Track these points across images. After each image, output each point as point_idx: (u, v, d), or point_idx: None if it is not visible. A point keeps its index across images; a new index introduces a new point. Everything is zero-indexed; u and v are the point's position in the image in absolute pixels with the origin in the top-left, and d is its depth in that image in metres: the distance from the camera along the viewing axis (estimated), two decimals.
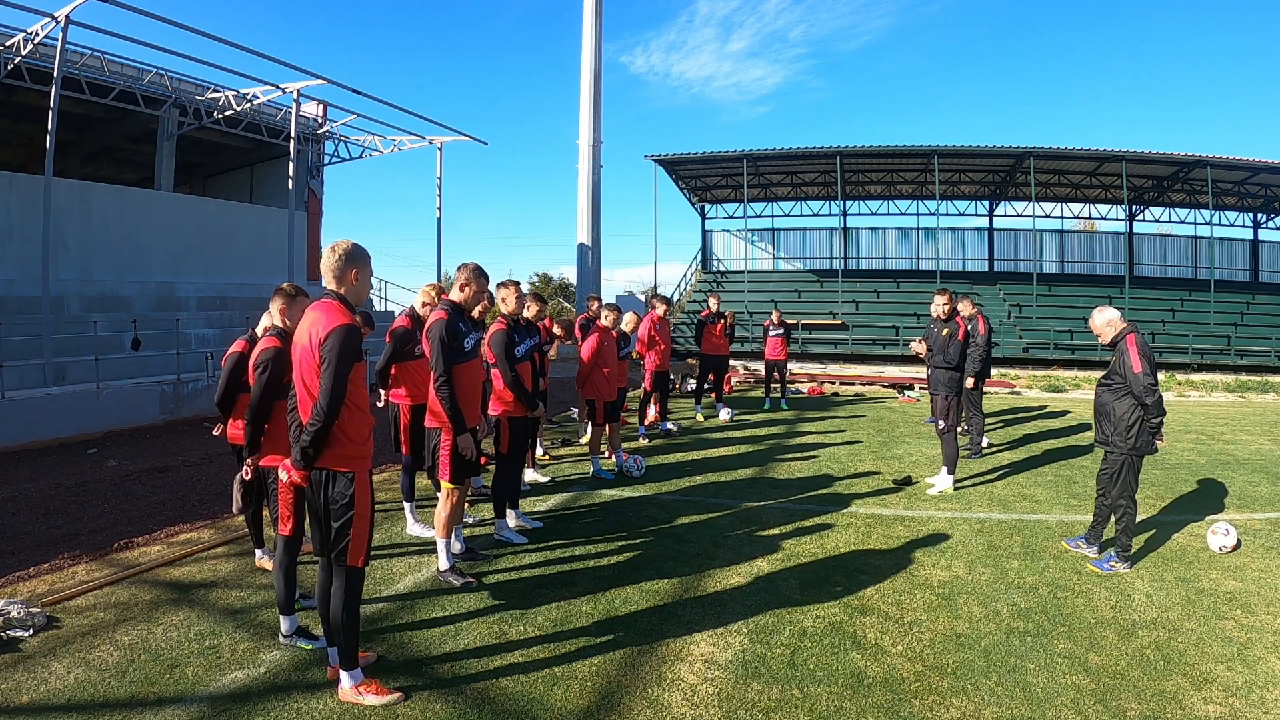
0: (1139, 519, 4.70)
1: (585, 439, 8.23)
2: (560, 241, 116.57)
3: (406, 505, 5.11)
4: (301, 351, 2.89)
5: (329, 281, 2.96)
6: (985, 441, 8.07)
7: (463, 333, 4.04)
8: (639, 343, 8.42)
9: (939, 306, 6.26)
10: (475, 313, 4.23)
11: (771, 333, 11.38)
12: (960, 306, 8.51)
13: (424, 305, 5.03)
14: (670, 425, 9.02)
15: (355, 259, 2.97)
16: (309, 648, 3.30)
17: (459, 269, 4.20)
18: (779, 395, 11.79)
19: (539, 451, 7.20)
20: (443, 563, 4.13)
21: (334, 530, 2.87)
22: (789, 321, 12.04)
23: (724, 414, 10.19)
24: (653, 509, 5.63)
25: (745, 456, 7.74)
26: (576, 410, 8.83)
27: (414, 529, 5.00)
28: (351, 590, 2.89)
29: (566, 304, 37.62)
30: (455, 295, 4.14)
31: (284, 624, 3.37)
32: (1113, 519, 4.54)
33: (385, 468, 6.96)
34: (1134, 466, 4.44)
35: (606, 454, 7.11)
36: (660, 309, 8.91)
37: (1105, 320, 4.57)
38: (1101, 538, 4.64)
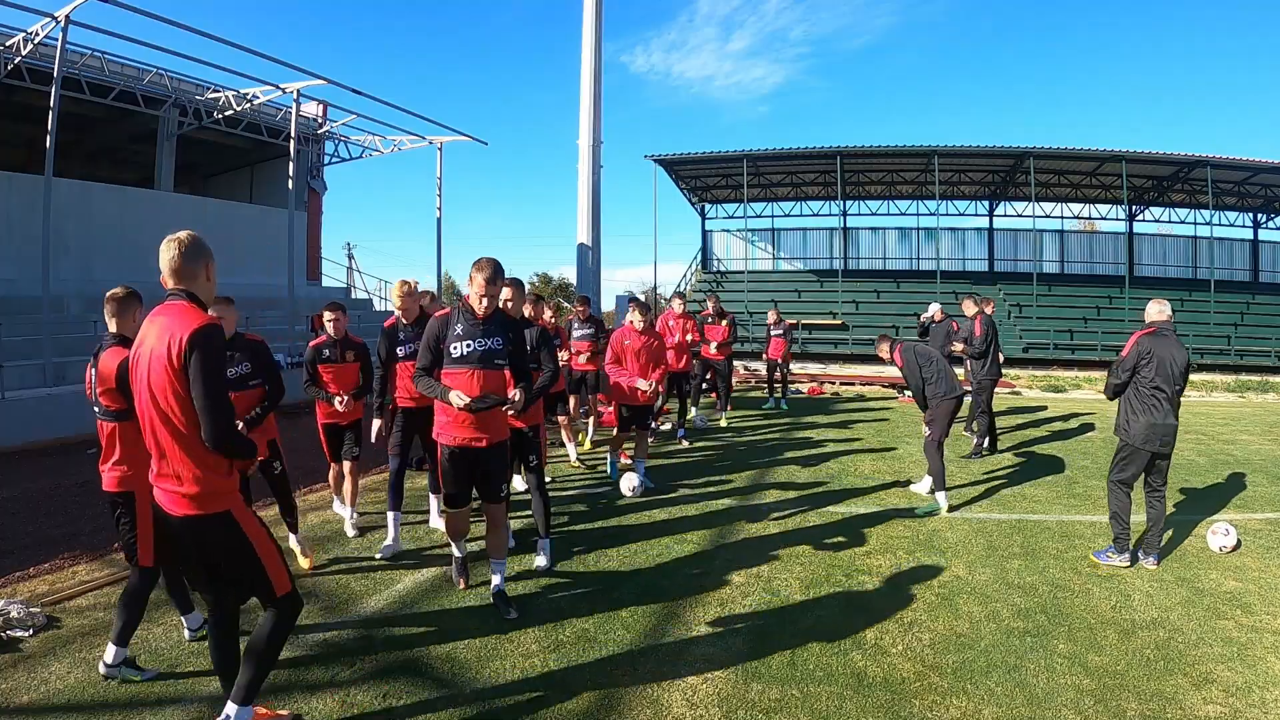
0: (1135, 518, 4.71)
1: (585, 437, 8.14)
2: (560, 241, 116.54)
3: (390, 516, 4.64)
4: (153, 361, 2.33)
5: (174, 280, 2.47)
6: (985, 443, 8.04)
7: (456, 336, 3.57)
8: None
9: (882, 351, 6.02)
10: (481, 311, 3.59)
11: (772, 332, 11.41)
12: (965, 306, 8.55)
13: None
14: (680, 432, 8.44)
15: (205, 252, 2.53)
16: (137, 679, 3.01)
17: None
18: (780, 395, 11.80)
19: (573, 454, 7.16)
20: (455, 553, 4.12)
21: (242, 579, 2.50)
22: (788, 321, 12.03)
23: (720, 418, 9.94)
24: (653, 509, 5.62)
25: (745, 456, 7.74)
26: (585, 407, 8.36)
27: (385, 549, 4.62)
28: (284, 621, 2.57)
29: (566, 304, 37.59)
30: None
31: (110, 653, 3.02)
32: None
33: (384, 469, 6.96)
34: (1126, 454, 4.52)
35: (622, 457, 6.76)
36: (678, 306, 8.56)
37: (1150, 309, 4.65)
38: (1160, 544, 4.57)
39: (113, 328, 3.13)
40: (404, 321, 4.78)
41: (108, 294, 3.18)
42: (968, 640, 3.44)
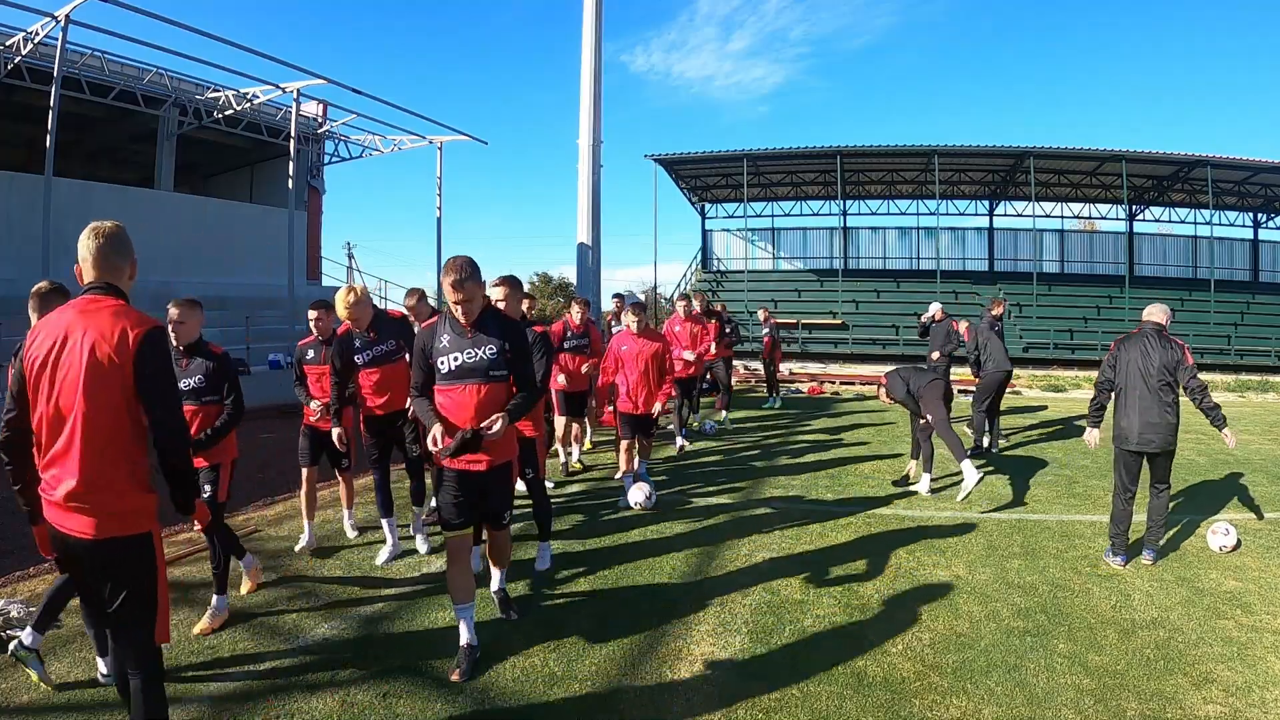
0: (1139, 516, 4.72)
1: (586, 439, 7.75)
2: (560, 241, 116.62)
3: (384, 523, 4.55)
4: (90, 360, 2.07)
5: (96, 272, 2.21)
6: (985, 443, 8.01)
7: (442, 349, 3.13)
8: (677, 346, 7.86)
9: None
10: (464, 319, 3.11)
11: (760, 331, 11.70)
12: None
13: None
14: (681, 439, 8.06)
15: (131, 246, 2.29)
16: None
17: None
18: (777, 393, 11.90)
19: (576, 454, 7.03)
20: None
21: (136, 611, 2.18)
22: (775, 320, 12.15)
23: (720, 416, 9.67)
24: (652, 509, 5.61)
25: (745, 456, 7.74)
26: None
27: (383, 556, 4.50)
28: (160, 680, 2.28)
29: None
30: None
31: (101, 664, 2.93)
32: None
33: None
34: (1114, 455, 4.66)
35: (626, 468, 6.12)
36: (682, 308, 8.36)
37: (1144, 311, 4.79)
38: (1160, 541, 4.60)
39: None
40: (356, 330, 4.36)
41: (32, 289, 2.93)
42: (968, 640, 3.44)
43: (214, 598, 3.62)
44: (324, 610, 3.77)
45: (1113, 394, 4.67)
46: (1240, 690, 2.99)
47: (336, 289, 5.35)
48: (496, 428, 3.02)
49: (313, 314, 4.72)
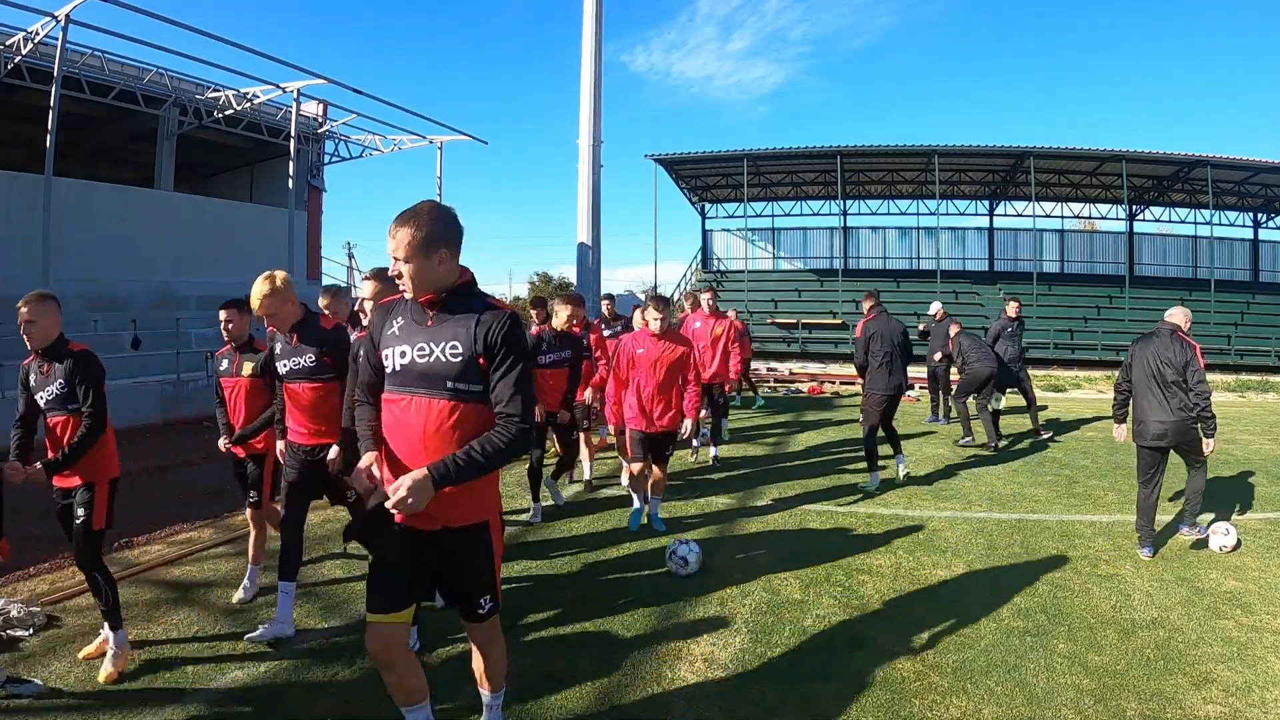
0: (1137, 518, 4.74)
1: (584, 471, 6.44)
2: (560, 241, 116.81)
3: (281, 591, 3.57)
4: None
5: None
6: (986, 441, 8.02)
7: (392, 336, 2.17)
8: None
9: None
10: (412, 289, 2.12)
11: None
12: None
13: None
14: (694, 442, 7.34)
15: None
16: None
17: None
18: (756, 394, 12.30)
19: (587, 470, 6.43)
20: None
21: None
22: (738, 324, 12.22)
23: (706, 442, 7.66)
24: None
25: (744, 457, 7.73)
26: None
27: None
28: None
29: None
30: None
31: None
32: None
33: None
34: (1136, 451, 4.81)
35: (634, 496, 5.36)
36: (706, 302, 7.33)
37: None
38: (1195, 513, 4.88)
39: None
40: (278, 331, 3.40)
41: None
42: (968, 640, 3.44)
43: (110, 634, 3.05)
44: (323, 610, 3.77)
45: (1130, 391, 4.81)
46: (1240, 690, 2.99)
47: (335, 287, 5.17)
48: (399, 496, 1.89)
49: (222, 315, 3.84)
